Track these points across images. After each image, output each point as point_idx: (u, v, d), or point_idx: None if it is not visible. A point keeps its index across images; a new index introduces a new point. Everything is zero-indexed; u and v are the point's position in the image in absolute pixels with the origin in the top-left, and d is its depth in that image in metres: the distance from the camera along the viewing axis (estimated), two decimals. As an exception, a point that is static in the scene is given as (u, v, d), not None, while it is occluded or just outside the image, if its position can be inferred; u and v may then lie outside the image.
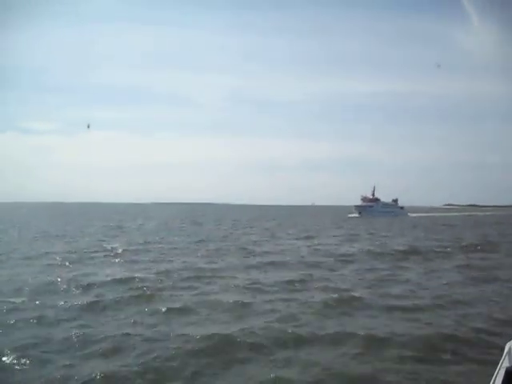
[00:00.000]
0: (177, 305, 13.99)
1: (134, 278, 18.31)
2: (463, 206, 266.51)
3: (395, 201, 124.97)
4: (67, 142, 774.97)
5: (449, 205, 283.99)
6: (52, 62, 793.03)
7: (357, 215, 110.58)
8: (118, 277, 18.46)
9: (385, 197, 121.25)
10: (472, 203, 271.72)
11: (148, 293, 15.45)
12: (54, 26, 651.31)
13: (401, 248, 31.54)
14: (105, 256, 25.80)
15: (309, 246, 32.71)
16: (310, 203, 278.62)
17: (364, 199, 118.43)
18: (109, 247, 30.11)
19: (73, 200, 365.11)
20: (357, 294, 15.61)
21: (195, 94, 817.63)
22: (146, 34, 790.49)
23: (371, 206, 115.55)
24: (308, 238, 40.83)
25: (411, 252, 29.37)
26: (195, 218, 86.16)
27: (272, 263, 23.65)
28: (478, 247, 33.10)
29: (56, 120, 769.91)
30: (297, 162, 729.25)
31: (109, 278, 18.21)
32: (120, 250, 27.90)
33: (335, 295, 15.33)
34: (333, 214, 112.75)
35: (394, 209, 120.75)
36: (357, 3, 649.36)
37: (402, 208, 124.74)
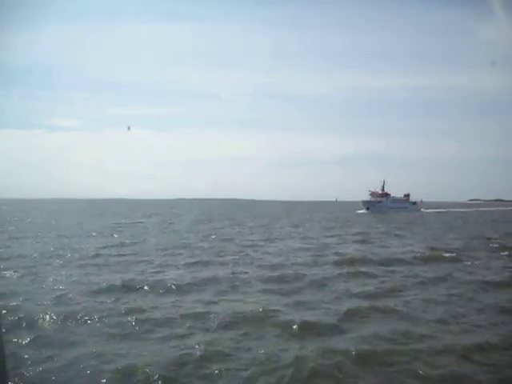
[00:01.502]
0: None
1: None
2: (489, 200, 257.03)
3: (407, 196, 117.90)
4: (92, 138, 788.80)
5: (474, 200, 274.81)
6: (80, 60, 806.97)
7: (365, 211, 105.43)
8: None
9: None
10: (498, 198, 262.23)
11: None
12: (82, 24, 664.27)
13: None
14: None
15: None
16: (333, 199, 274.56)
17: (373, 194, 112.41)
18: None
19: (99, 197, 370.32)
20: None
21: (221, 89, 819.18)
22: (173, 31, 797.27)
23: (380, 202, 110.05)
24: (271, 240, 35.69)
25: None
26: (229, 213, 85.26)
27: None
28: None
29: (82, 117, 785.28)
30: (323, 157, 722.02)
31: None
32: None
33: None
34: (344, 210, 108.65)
35: (405, 204, 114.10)
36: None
37: (414, 203, 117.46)
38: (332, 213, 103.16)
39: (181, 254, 26.03)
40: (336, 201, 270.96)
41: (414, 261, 23.67)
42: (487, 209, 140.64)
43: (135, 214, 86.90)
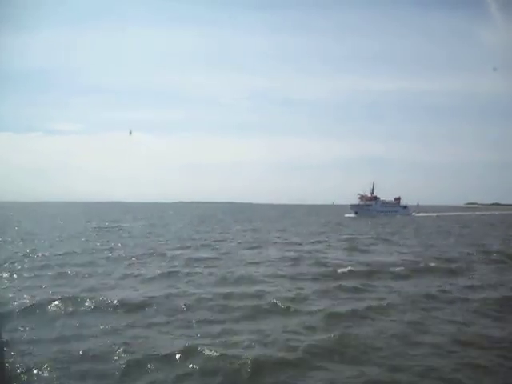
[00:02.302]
0: None
1: None
2: (486, 204, 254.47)
3: (397, 199, 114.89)
4: (91, 142, 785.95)
5: (471, 203, 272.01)
6: (79, 64, 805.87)
7: (353, 215, 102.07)
8: None
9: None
10: (496, 202, 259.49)
11: None
12: (81, 27, 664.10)
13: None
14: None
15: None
16: (330, 202, 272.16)
17: (362, 198, 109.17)
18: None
19: (98, 200, 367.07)
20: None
21: (221, 94, 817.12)
22: (172, 35, 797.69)
23: (369, 205, 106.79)
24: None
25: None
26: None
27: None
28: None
29: (81, 121, 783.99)
30: (322, 161, 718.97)
31: None
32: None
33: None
34: (338, 214, 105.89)
35: (395, 208, 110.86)
36: (377, 2, 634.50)
37: (405, 207, 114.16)
38: (325, 216, 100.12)
39: (144, 265, 23.13)
40: (333, 204, 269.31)
41: (400, 272, 20.83)
42: (483, 213, 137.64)
43: (124, 218, 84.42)
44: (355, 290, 16.90)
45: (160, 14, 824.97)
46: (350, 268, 21.20)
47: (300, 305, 14.38)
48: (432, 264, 23.22)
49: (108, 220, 72.57)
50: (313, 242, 35.83)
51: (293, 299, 15.07)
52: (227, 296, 15.40)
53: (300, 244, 34.74)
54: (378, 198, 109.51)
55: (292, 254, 27.82)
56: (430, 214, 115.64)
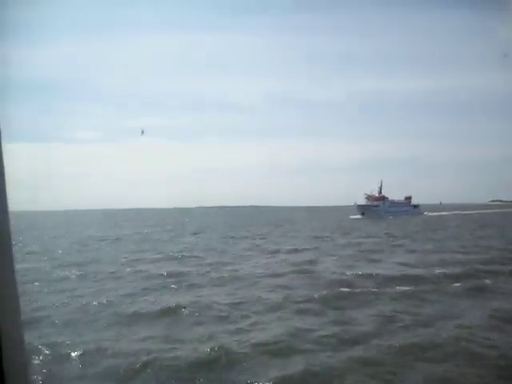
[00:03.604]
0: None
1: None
2: (511, 201, 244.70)
3: (408, 198, 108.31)
4: (112, 149, 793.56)
5: (495, 201, 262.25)
6: (96, 73, 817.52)
7: (359, 217, 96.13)
8: None
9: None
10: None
11: None
12: (99, 37, 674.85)
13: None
14: None
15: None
16: (351, 203, 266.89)
17: (369, 198, 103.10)
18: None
19: (117, 207, 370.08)
20: None
21: (239, 98, 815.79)
22: (185, 42, 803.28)
23: (376, 206, 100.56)
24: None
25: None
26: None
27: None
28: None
29: (100, 129, 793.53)
30: (339, 163, 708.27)
31: None
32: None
33: None
34: (344, 216, 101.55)
35: (405, 208, 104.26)
36: (387, 2, 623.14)
37: (416, 206, 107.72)
38: (334, 218, 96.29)
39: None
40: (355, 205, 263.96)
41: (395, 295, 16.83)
42: (506, 210, 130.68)
43: (132, 225, 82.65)
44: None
45: (171, 22, 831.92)
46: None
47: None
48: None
49: (119, 228, 70.63)
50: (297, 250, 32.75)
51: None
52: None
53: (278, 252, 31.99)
54: (387, 198, 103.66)
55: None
56: (443, 213, 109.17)
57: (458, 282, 18.42)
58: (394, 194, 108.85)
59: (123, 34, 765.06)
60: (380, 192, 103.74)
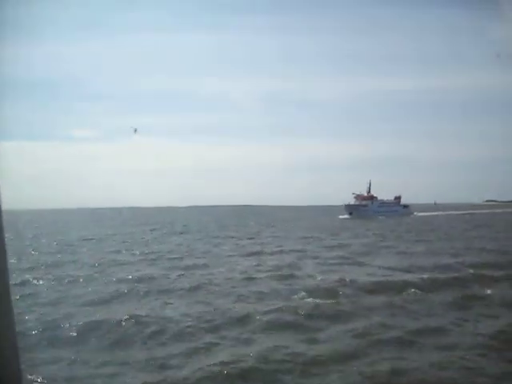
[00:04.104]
0: None
1: None
2: (505, 202, 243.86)
3: (398, 198, 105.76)
4: (106, 148, 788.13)
5: (490, 201, 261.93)
6: (92, 72, 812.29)
7: (347, 217, 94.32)
8: None
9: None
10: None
11: None
12: (94, 36, 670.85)
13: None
14: None
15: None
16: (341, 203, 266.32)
17: (357, 197, 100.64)
18: None
19: (114, 205, 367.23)
20: None
21: (234, 97, 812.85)
22: (183, 41, 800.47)
23: (365, 206, 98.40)
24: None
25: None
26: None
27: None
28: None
29: (95, 127, 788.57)
30: (333, 162, 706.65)
31: None
32: None
33: None
34: (335, 215, 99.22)
35: (394, 208, 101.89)
36: (382, 2, 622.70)
37: (406, 206, 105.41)
38: (323, 218, 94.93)
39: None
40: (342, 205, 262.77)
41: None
42: (499, 210, 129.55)
43: (119, 224, 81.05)
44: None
45: (167, 21, 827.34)
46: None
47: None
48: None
49: (110, 228, 68.86)
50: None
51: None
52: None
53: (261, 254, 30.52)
54: (375, 198, 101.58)
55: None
56: (434, 214, 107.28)
57: (444, 289, 16.91)
58: (390, 193, 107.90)
59: (119, 32, 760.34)
60: (369, 191, 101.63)
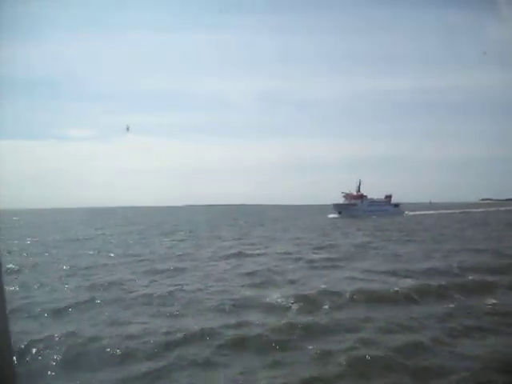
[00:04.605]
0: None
1: None
2: (501, 200, 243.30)
3: (388, 197, 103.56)
4: (103, 147, 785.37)
5: (485, 199, 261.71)
6: (90, 71, 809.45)
7: (336, 216, 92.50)
8: None
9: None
10: (510, 197, 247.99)
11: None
12: (94, 35, 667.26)
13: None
14: None
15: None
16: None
17: (347, 196, 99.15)
18: None
19: (110, 205, 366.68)
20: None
21: (231, 96, 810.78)
22: (180, 41, 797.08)
23: (354, 205, 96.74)
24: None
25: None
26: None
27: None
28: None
29: (92, 127, 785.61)
30: (329, 162, 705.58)
31: None
32: None
33: None
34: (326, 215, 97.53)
35: (384, 207, 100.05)
36: (383, 2, 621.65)
37: (396, 205, 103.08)
38: (313, 217, 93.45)
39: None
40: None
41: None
42: (494, 209, 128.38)
43: (107, 224, 79.20)
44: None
45: (162, 21, 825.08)
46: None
47: None
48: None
49: (97, 228, 67.00)
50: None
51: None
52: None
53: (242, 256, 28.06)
54: (365, 197, 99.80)
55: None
56: (426, 213, 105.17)
57: (434, 298, 15.27)
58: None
59: (115, 33, 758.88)
60: (358, 190, 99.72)
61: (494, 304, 14.45)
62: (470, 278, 18.91)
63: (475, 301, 15.03)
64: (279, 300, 15.27)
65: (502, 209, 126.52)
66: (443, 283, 17.54)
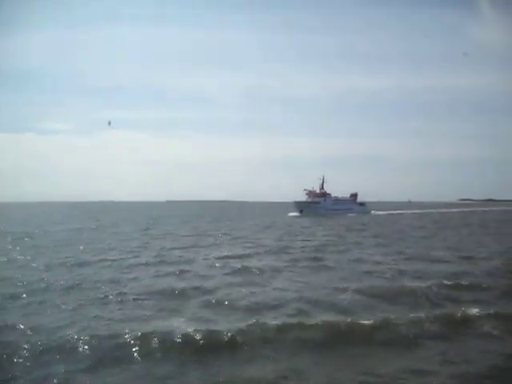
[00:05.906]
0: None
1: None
2: (480, 200, 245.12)
3: (354, 195, 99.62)
4: (83, 141, 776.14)
5: (464, 200, 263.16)
6: (72, 65, 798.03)
7: (296, 214, 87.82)
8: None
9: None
10: (490, 198, 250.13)
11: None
12: (70, 28, 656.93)
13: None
14: None
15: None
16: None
17: (309, 194, 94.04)
18: None
19: (90, 199, 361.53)
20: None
21: (214, 92, 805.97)
22: (166, 35, 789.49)
23: (317, 203, 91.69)
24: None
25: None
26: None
27: None
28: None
29: (72, 120, 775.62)
30: (311, 159, 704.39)
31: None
32: None
33: None
34: (284, 213, 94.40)
35: (349, 205, 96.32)
36: (367, 1, 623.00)
37: (362, 204, 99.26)
38: (275, 216, 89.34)
39: None
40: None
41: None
42: (472, 209, 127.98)
43: (78, 220, 76.36)
44: None
45: (147, 14, 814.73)
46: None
47: None
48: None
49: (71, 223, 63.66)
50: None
51: None
52: None
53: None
54: (329, 194, 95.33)
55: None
56: (393, 212, 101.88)
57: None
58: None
59: (97, 26, 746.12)
60: (322, 188, 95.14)
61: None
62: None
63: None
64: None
65: (479, 209, 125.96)
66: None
